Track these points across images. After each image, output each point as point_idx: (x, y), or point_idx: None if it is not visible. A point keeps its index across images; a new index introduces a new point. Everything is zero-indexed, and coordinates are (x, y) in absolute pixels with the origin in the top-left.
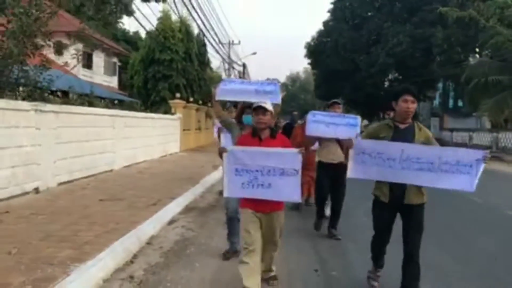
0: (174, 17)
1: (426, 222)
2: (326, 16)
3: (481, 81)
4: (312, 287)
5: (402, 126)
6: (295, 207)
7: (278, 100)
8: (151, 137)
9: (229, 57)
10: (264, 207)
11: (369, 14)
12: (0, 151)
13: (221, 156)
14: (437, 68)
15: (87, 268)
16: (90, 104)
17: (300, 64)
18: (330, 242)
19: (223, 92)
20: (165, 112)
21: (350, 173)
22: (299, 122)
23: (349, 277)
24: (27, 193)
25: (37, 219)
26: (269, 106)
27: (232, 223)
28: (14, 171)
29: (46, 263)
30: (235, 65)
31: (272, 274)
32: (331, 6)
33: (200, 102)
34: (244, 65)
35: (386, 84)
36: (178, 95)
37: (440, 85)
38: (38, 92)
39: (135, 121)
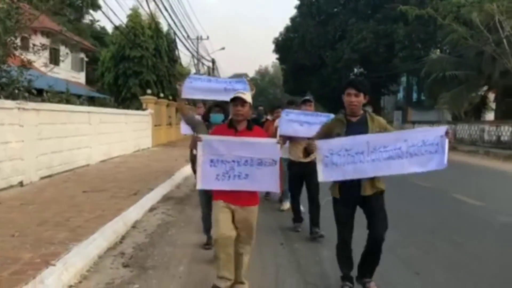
0: (143, 13)
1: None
2: (293, 12)
3: (439, 76)
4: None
5: (354, 119)
6: None
7: (249, 98)
8: (125, 132)
9: (197, 52)
10: (238, 200)
11: (335, 10)
12: None
13: (194, 147)
14: (399, 63)
15: (84, 246)
16: (67, 102)
17: (269, 59)
18: (297, 235)
19: (190, 90)
20: (137, 108)
21: (322, 177)
22: (269, 117)
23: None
24: (12, 186)
25: (28, 208)
26: (248, 98)
27: (208, 218)
28: (1, 166)
29: (48, 243)
30: (204, 61)
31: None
32: (298, 2)
33: (170, 97)
34: (213, 61)
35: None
36: (149, 91)
37: (403, 79)
38: (21, 91)
39: (110, 117)
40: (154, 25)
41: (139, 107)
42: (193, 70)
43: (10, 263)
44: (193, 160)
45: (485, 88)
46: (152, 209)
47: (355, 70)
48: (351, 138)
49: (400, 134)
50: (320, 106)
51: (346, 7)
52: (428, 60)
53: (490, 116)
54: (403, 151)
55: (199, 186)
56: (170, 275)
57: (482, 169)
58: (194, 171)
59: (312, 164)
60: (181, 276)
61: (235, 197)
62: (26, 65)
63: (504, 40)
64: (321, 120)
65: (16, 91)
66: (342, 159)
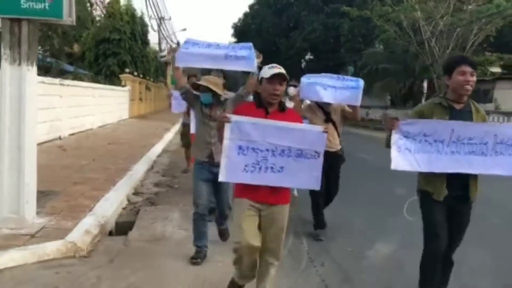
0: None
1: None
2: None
3: (373, 68)
4: None
5: (458, 107)
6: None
7: (254, 67)
8: (112, 105)
9: (159, 31)
10: (267, 197)
11: (290, 1)
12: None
13: (220, 128)
14: (344, 54)
15: (135, 168)
16: (80, 79)
17: (225, 39)
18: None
19: (185, 57)
20: (116, 85)
21: (394, 165)
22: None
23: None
24: (54, 139)
25: (83, 151)
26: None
27: (199, 223)
28: (50, 124)
29: (115, 164)
30: (169, 41)
31: None
32: None
33: (141, 76)
34: (178, 43)
35: (303, 64)
36: (127, 70)
37: (351, 68)
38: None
39: (104, 92)
40: (130, 12)
41: (117, 83)
42: (157, 49)
43: (101, 171)
44: (184, 134)
45: (411, 80)
46: (159, 155)
47: (306, 57)
48: (436, 122)
49: (490, 126)
50: None
51: (299, 0)
52: (365, 53)
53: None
54: (488, 147)
55: (222, 178)
56: None
57: None
58: (187, 147)
59: (337, 156)
60: None
61: (264, 194)
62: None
63: (425, 41)
64: (347, 85)
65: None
66: (418, 146)
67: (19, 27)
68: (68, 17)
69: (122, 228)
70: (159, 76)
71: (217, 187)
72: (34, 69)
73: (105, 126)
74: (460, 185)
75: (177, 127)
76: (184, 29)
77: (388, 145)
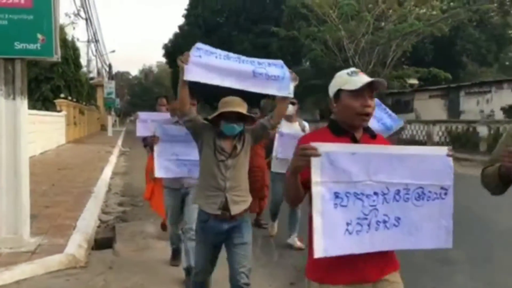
0: None
1: None
2: (181, 20)
3: (303, 85)
4: None
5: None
6: None
7: (290, 91)
8: (51, 131)
9: (87, 53)
10: (373, 271)
11: (220, 22)
12: None
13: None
14: None
15: (97, 190)
16: None
17: (154, 58)
18: None
19: (196, 69)
20: (51, 110)
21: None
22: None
23: None
24: None
25: (38, 177)
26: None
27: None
28: None
29: (75, 187)
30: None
31: None
32: (185, 12)
33: (75, 100)
34: (110, 66)
35: None
36: (62, 95)
37: None
38: None
39: (44, 118)
40: (62, 36)
41: (53, 109)
42: (87, 71)
43: (66, 195)
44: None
45: None
46: (111, 178)
47: None
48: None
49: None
50: (205, 106)
51: (229, 20)
52: (296, 70)
53: None
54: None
55: (319, 253)
56: None
57: None
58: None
59: None
60: None
61: (370, 266)
62: None
63: (350, 58)
64: (384, 120)
65: None
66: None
67: (13, 66)
68: (55, 54)
69: (101, 244)
70: (90, 99)
71: (230, 251)
72: (25, 102)
73: (46, 152)
74: None
75: (117, 150)
76: (113, 51)
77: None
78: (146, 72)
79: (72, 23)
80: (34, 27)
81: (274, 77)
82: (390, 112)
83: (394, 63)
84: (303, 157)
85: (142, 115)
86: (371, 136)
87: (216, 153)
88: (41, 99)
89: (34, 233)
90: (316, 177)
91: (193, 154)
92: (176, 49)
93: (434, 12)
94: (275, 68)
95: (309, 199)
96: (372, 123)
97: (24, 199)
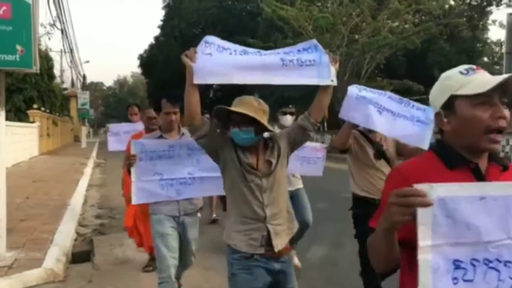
0: None
1: None
2: (157, 31)
3: (280, 96)
4: None
5: None
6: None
7: (333, 77)
8: (23, 142)
9: (61, 64)
10: None
11: (196, 33)
12: None
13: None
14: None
15: (73, 203)
16: None
17: (128, 69)
18: None
19: (210, 68)
20: (23, 121)
21: None
22: None
23: None
24: None
25: (12, 189)
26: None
27: None
28: None
29: (51, 200)
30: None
31: None
32: (161, 22)
33: (48, 111)
34: (84, 76)
35: (211, 94)
36: (35, 106)
37: (257, 95)
38: None
39: (15, 129)
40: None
41: (26, 120)
42: (60, 81)
43: (41, 208)
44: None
45: None
46: (87, 190)
47: (214, 85)
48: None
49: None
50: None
51: (205, 31)
52: None
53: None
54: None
55: None
56: None
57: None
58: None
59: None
60: None
61: None
62: None
63: None
64: (412, 115)
65: None
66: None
67: None
68: (34, 66)
69: (78, 257)
70: (64, 110)
71: None
72: (3, 114)
73: (19, 164)
74: None
75: (91, 161)
76: (87, 61)
77: None
78: (121, 83)
79: (48, 33)
80: (13, 38)
81: (309, 62)
82: (413, 103)
83: (368, 75)
84: (403, 209)
85: (112, 128)
86: (502, 167)
87: (244, 173)
88: (13, 110)
89: (10, 247)
90: (424, 238)
91: (180, 171)
92: (152, 59)
93: (407, 26)
94: (308, 53)
95: None
96: (407, 128)
97: (0, 212)
